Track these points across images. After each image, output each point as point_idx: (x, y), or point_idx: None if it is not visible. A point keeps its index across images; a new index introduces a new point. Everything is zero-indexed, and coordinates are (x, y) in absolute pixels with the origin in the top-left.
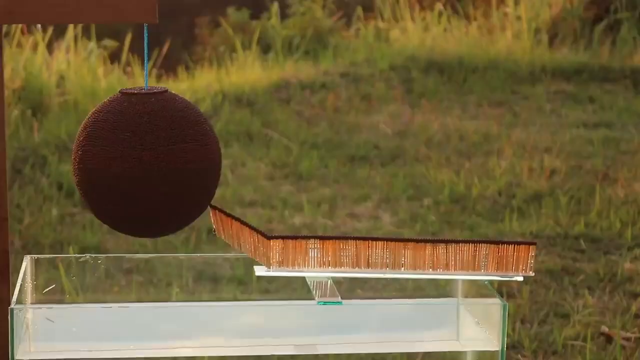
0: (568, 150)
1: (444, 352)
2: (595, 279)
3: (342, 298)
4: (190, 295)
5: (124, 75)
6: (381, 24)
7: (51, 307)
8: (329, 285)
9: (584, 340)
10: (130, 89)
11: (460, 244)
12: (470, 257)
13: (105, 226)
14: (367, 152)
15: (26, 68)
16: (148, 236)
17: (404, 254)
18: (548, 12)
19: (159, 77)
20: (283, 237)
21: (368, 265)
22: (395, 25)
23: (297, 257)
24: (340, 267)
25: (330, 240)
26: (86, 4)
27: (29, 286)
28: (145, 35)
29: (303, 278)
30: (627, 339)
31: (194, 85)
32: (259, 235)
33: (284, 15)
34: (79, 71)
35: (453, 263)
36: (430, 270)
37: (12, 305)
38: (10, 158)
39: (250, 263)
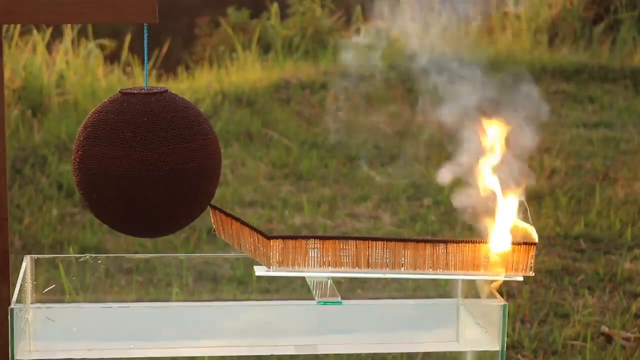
0: (568, 150)
1: (444, 352)
2: (595, 279)
3: (342, 298)
4: (190, 295)
5: (124, 75)
6: (381, 24)
7: (51, 307)
8: (329, 285)
9: (584, 340)
10: (130, 89)
11: (460, 244)
12: (470, 257)
13: (105, 226)
14: (367, 152)
15: (26, 68)
16: (148, 236)
17: (404, 254)
18: (548, 12)
19: (159, 77)
20: (283, 237)
21: (368, 265)
22: (395, 25)
23: (297, 257)
24: (340, 267)
25: (330, 240)
26: (86, 4)
27: (29, 286)
28: (145, 35)
29: (303, 278)
30: (627, 339)
31: (194, 85)
32: (259, 235)
33: (283, 15)
34: (79, 71)
35: (453, 263)
36: (430, 270)
37: (12, 305)
38: (10, 158)
39: (250, 263)
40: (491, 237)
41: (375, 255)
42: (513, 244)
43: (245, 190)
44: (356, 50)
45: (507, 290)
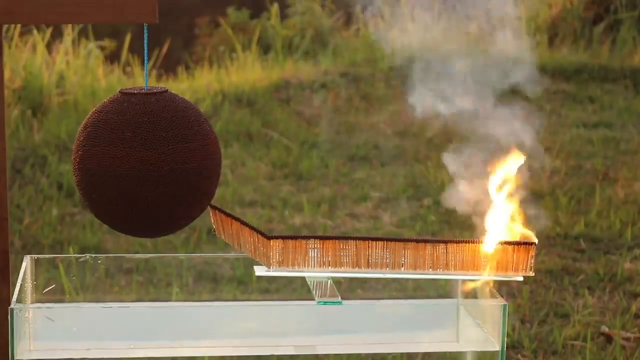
0: (568, 150)
1: (444, 352)
2: (595, 279)
3: (342, 298)
4: (190, 295)
5: (124, 75)
6: (381, 24)
7: (51, 307)
8: (329, 285)
9: (584, 340)
10: (130, 89)
11: (460, 244)
12: (470, 257)
13: (105, 226)
14: (367, 152)
15: (26, 68)
16: (148, 236)
17: (404, 254)
18: (548, 12)
19: (159, 77)
20: (283, 237)
21: (368, 265)
22: (395, 25)
23: (297, 257)
24: (340, 267)
25: (330, 240)
26: (86, 4)
27: (29, 286)
28: (145, 35)
29: (303, 278)
30: (627, 339)
31: (194, 85)
32: (259, 235)
33: (284, 15)
34: (79, 71)
35: (453, 263)
36: (430, 270)
37: (12, 305)
38: (10, 158)
39: (250, 263)
40: (485, 237)
41: (375, 255)
42: (513, 243)
43: (245, 190)
44: (356, 50)
45: (507, 290)
